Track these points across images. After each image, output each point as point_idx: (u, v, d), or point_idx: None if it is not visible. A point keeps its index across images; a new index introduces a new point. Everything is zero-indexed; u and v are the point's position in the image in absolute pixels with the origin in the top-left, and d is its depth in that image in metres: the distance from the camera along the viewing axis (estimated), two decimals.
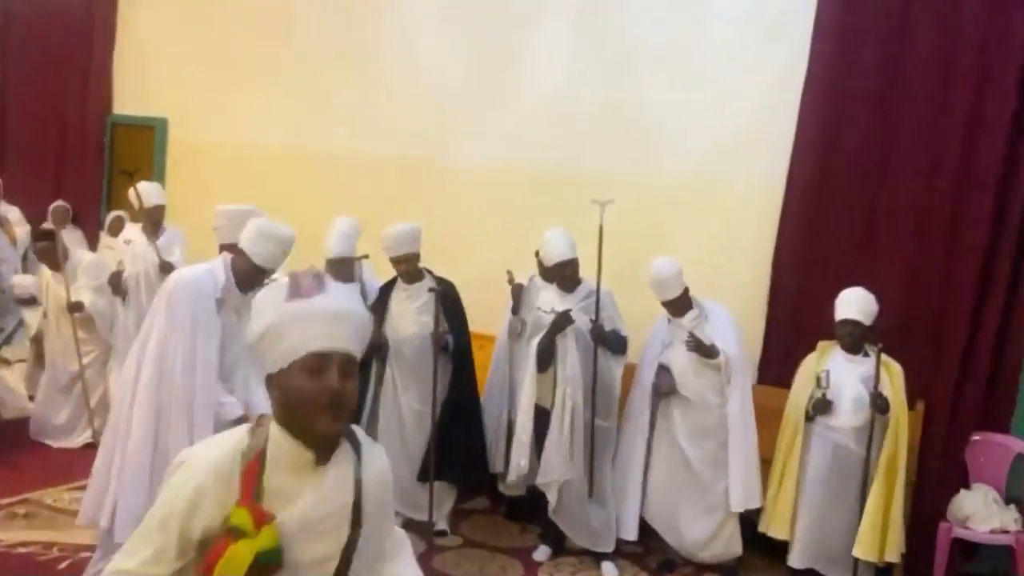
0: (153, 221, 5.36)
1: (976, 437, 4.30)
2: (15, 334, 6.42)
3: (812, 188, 4.71)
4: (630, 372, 4.50)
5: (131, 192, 5.47)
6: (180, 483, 1.55)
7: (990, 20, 4.29)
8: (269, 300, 1.59)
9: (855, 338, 4.11)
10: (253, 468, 1.54)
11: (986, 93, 4.32)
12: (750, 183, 4.99)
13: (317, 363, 1.52)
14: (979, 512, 4.11)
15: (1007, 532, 4.04)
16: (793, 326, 4.58)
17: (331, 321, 1.56)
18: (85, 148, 7.40)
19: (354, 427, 1.69)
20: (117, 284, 5.29)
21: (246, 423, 1.65)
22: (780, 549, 4.28)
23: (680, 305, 4.27)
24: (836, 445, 4.08)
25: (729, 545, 4.30)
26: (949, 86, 4.40)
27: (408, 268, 4.45)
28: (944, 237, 4.43)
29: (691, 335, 4.17)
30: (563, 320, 4.20)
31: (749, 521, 4.30)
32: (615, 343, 4.32)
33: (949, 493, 4.23)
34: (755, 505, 4.23)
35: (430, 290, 4.32)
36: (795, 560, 4.18)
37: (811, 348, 4.32)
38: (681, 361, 4.28)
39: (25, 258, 6.91)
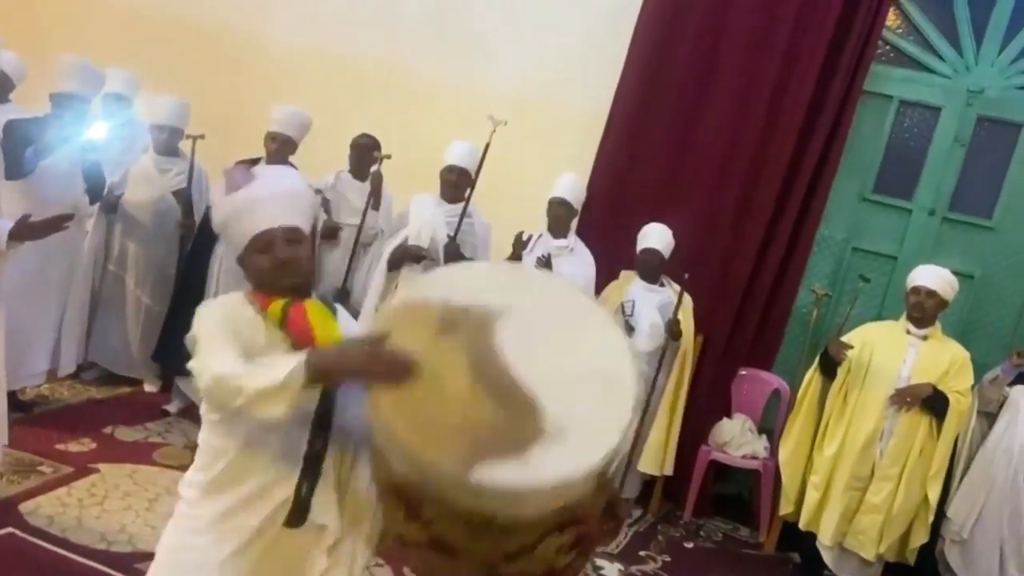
0: None
1: (743, 372, 4.69)
2: None
3: (632, 122, 4.82)
4: None
5: None
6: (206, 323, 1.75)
7: None
8: (218, 199, 1.86)
9: (653, 268, 4.36)
10: (260, 295, 1.80)
11: (795, 62, 4.58)
12: (573, 108, 5.04)
13: (263, 242, 1.78)
14: (736, 438, 4.51)
15: (756, 458, 4.47)
16: (599, 253, 4.72)
17: (265, 203, 1.80)
18: None
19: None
20: None
21: None
22: None
23: (562, 224, 4.33)
24: None
25: None
26: (765, 42, 4.62)
27: (281, 151, 4.27)
28: (741, 187, 4.69)
29: (544, 257, 4.20)
30: (417, 254, 4.11)
31: None
32: None
33: (713, 420, 4.60)
34: None
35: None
36: None
37: (612, 275, 4.53)
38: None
39: None
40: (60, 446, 3.81)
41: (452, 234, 4.13)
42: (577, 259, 4.38)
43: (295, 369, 1.56)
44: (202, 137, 4.34)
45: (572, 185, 4.39)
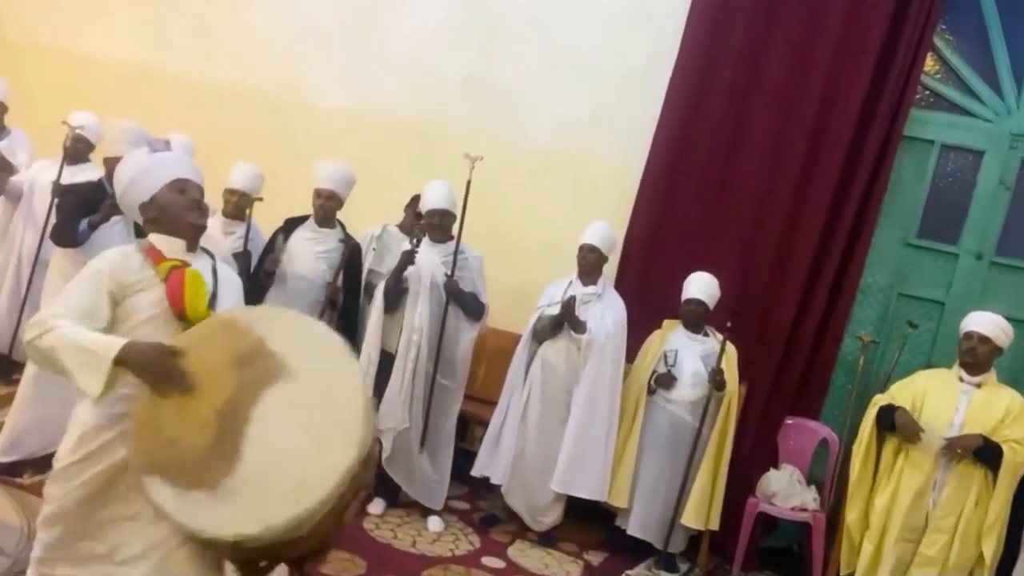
0: None
1: (789, 421, 4.60)
2: None
3: (667, 174, 4.85)
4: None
5: None
6: (89, 274, 2.03)
7: (848, 26, 4.57)
8: (132, 159, 2.24)
9: (698, 317, 4.33)
10: (153, 250, 2.12)
11: (831, 109, 4.59)
12: (609, 162, 5.09)
13: (180, 186, 2.21)
14: (784, 490, 4.40)
15: (806, 510, 4.35)
16: (638, 303, 4.72)
17: (180, 161, 2.29)
18: None
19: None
20: None
21: None
22: (598, 513, 4.43)
23: (592, 270, 4.33)
24: (673, 417, 4.27)
25: (548, 513, 4.38)
26: (801, 90, 4.65)
27: (327, 206, 4.38)
28: (780, 236, 4.68)
29: (570, 299, 4.20)
30: (406, 257, 4.13)
31: None
32: (470, 305, 4.29)
33: (760, 471, 4.51)
34: (578, 494, 4.22)
35: (341, 241, 4.36)
36: (635, 528, 4.32)
37: (652, 324, 4.49)
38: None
39: None
40: None
41: (449, 272, 4.21)
42: (607, 306, 4.35)
43: (112, 345, 1.86)
44: (260, 199, 4.43)
45: (602, 232, 4.38)
